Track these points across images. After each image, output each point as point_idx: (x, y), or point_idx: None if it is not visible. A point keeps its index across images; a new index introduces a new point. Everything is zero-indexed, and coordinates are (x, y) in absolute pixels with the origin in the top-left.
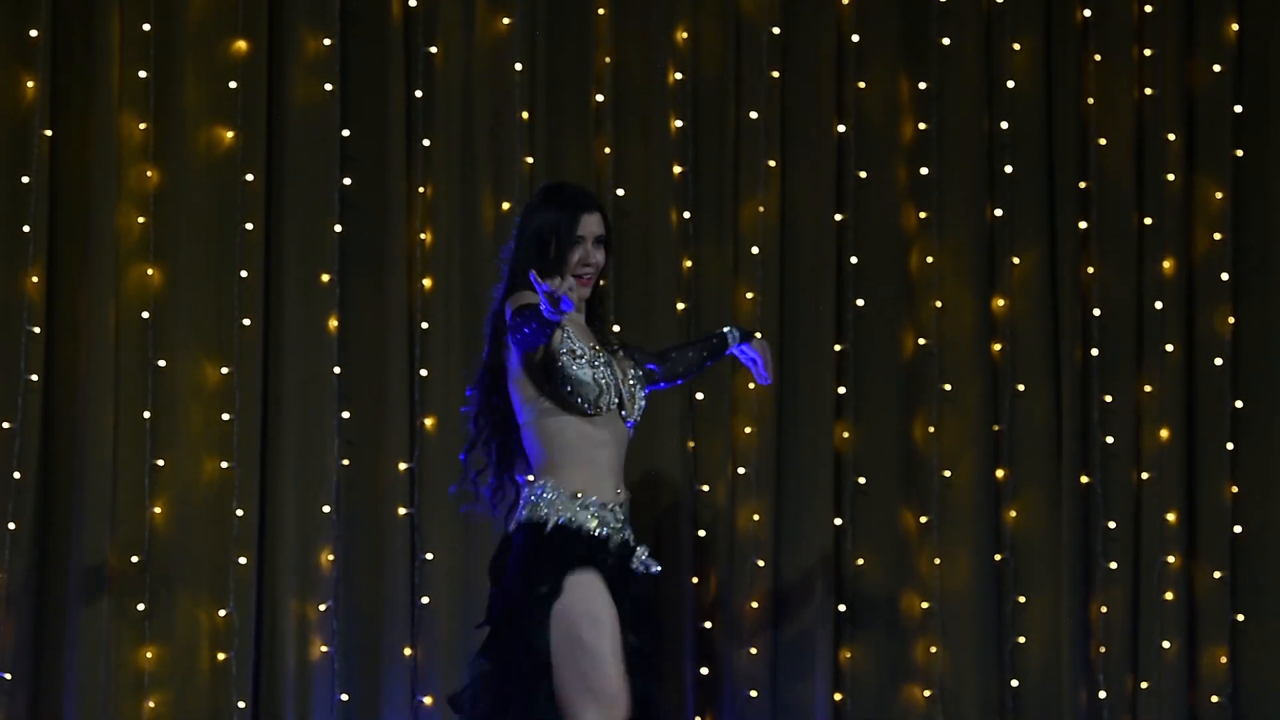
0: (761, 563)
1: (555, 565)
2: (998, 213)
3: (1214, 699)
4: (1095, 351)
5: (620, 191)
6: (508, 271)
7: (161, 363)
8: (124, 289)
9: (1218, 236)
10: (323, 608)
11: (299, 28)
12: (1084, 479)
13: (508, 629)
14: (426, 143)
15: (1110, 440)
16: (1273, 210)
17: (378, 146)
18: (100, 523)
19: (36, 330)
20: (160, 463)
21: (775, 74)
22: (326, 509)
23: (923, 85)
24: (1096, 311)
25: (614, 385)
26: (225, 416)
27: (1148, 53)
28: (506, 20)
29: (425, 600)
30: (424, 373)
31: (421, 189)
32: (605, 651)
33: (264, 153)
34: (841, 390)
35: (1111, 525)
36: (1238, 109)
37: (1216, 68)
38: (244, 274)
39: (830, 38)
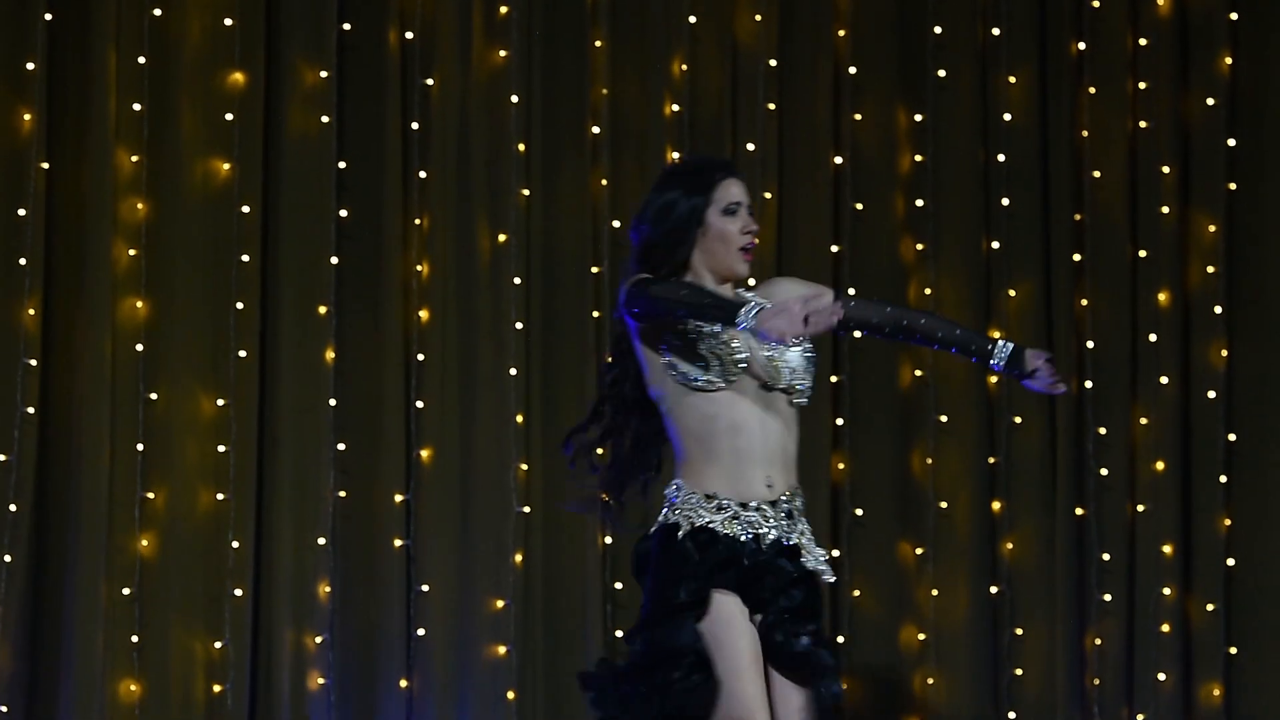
0: None
1: (690, 575)
2: (994, 245)
3: None
4: (1090, 384)
5: (617, 223)
6: (636, 262)
7: (156, 395)
8: (119, 321)
9: (1211, 269)
10: (319, 639)
11: (296, 60)
12: (1079, 511)
13: (647, 633)
14: (423, 174)
15: (1105, 472)
16: (1266, 243)
17: (374, 178)
18: (95, 554)
19: (33, 362)
20: (155, 494)
21: (772, 106)
22: (322, 540)
23: (919, 117)
24: (1091, 344)
25: (735, 357)
26: (221, 448)
27: (1142, 86)
28: (503, 52)
29: (421, 632)
30: (420, 404)
31: (418, 220)
32: (739, 675)
33: (260, 184)
34: (839, 421)
35: (1106, 557)
36: (1231, 142)
37: (1210, 100)
38: (240, 305)
39: (827, 70)
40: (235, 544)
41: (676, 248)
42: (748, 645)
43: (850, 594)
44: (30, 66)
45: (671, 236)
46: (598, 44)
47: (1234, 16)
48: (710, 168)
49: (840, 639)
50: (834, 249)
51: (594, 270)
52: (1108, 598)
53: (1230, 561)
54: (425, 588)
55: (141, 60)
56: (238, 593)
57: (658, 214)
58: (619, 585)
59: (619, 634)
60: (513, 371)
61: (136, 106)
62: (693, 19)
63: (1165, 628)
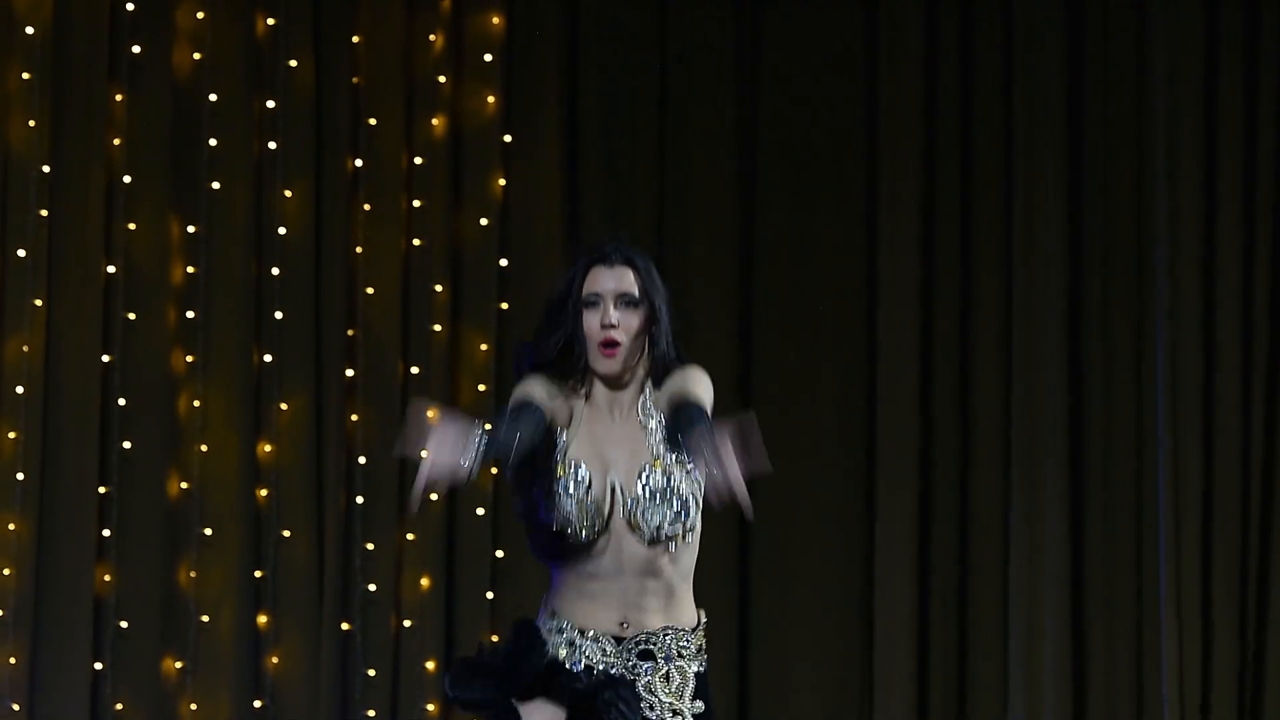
0: (16, 706)
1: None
2: (266, 358)
3: None
4: (360, 499)
5: None
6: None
7: None
8: None
9: (482, 387)
10: None
11: None
12: (345, 625)
13: None
14: None
15: (373, 587)
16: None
17: None
18: None
19: None
20: None
21: (44, 212)
22: None
23: (192, 229)
24: (363, 459)
25: (599, 506)
26: None
27: (416, 204)
28: None
29: None
30: None
31: None
32: None
33: None
34: (105, 533)
35: (371, 673)
36: (503, 262)
37: (483, 221)
38: None
39: (101, 177)
40: None
41: (558, 348)
42: None
43: (114, 707)
44: None
45: (551, 338)
46: None
47: (507, 139)
48: (585, 255)
49: None
50: (105, 358)
51: None
52: (371, 713)
53: None
54: None
55: None
56: None
57: (544, 310)
58: None
59: None
60: None
61: None
62: None
63: None
